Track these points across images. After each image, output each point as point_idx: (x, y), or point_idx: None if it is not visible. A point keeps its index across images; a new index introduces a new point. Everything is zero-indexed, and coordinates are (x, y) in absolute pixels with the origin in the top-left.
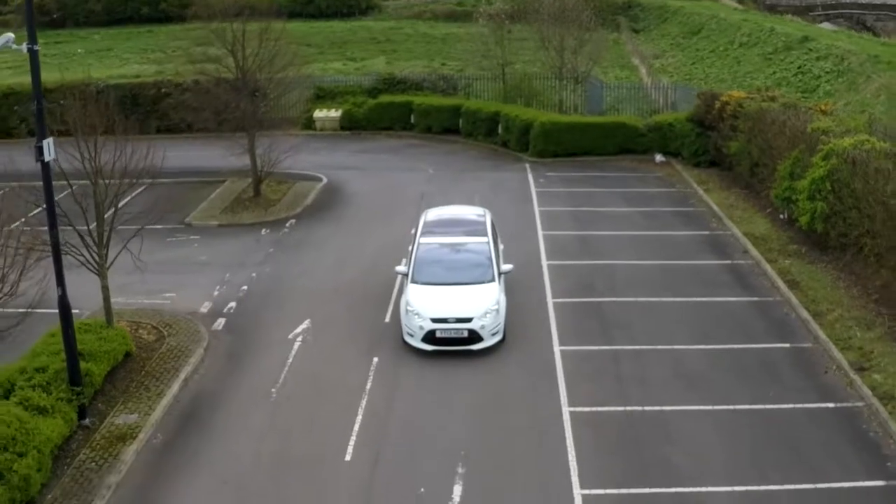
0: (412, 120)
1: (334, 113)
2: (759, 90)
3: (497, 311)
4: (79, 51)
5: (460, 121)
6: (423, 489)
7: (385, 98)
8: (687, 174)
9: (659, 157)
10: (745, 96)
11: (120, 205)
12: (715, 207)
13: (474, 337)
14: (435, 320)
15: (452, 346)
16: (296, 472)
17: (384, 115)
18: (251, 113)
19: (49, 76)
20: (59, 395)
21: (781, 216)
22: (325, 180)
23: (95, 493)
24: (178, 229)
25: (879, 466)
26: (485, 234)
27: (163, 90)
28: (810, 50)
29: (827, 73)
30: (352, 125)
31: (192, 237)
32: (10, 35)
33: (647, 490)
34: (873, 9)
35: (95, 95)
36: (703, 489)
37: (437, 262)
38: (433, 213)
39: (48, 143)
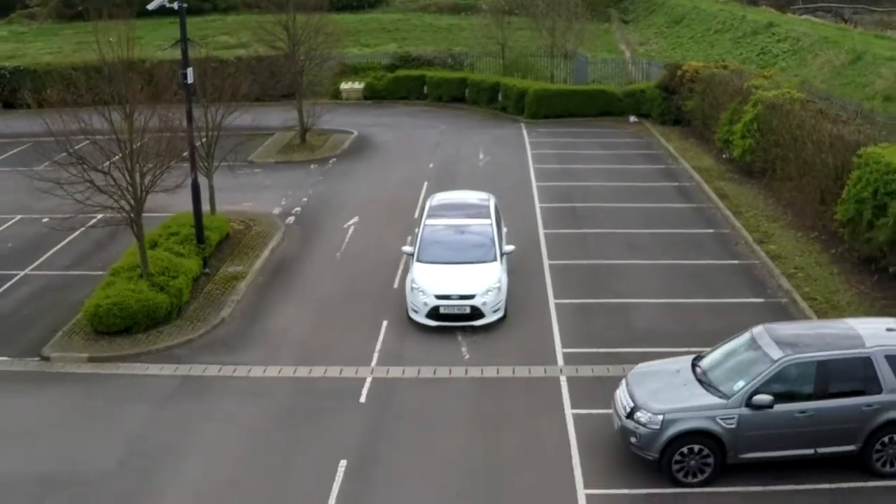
0: (425, 91)
1: (358, 85)
2: (714, 61)
3: (499, 288)
4: (110, 39)
5: (466, 91)
6: None
7: (401, 72)
8: (654, 129)
9: (633, 118)
10: (701, 65)
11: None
12: (672, 150)
13: (476, 313)
14: (439, 297)
15: (455, 322)
16: (357, 297)
17: (401, 86)
18: (299, 80)
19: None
20: (189, 248)
21: (724, 155)
22: (356, 133)
23: (223, 305)
24: (244, 165)
25: (761, 292)
26: (488, 217)
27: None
28: (773, 34)
29: (784, 52)
30: (373, 95)
31: (255, 170)
32: None
33: (601, 300)
34: (850, 2)
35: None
36: (638, 300)
37: (441, 243)
38: (438, 198)
39: (189, 71)
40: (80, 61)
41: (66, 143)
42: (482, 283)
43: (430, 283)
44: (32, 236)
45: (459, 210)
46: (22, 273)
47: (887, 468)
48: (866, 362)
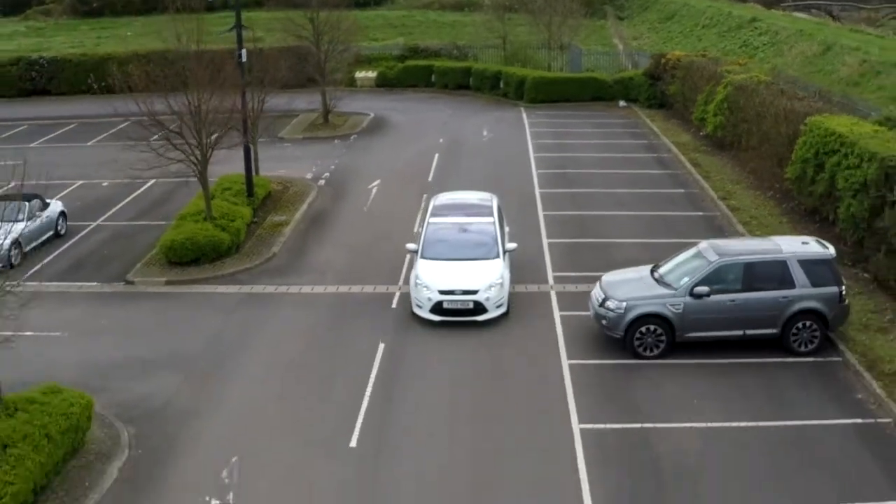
0: (432, 79)
1: (371, 73)
2: (696, 52)
3: (501, 285)
4: (128, 33)
5: (470, 79)
6: None
7: (411, 62)
8: (640, 112)
9: (622, 103)
10: (682, 54)
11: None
12: (655, 129)
13: (479, 308)
14: (442, 292)
15: (458, 318)
16: (384, 239)
17: (410, 75)
18: (323, 67)
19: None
20: (241, 200)
21: (701, 133)
22: (372, 115)
23: (272, 244)
24: (275, 141)
25: (720, 234)
26: (490, 216)
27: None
28: (755, 28)
29: (764, 44)
30: (385, 83)
31: (285, 144)
32: None
33: (586, 240)
34: (838, 0)
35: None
36: (617, 240)
37: (444, 240)
38: (442, 198)
39: (244, 51)
40: (107, 52)
41: (149, 115)
42: (485, 279)
43: (434, 279)
44: (96, 197)
45: (462, 209)
46: (94, 223)
47: (802, 348)
48: (783, 265)
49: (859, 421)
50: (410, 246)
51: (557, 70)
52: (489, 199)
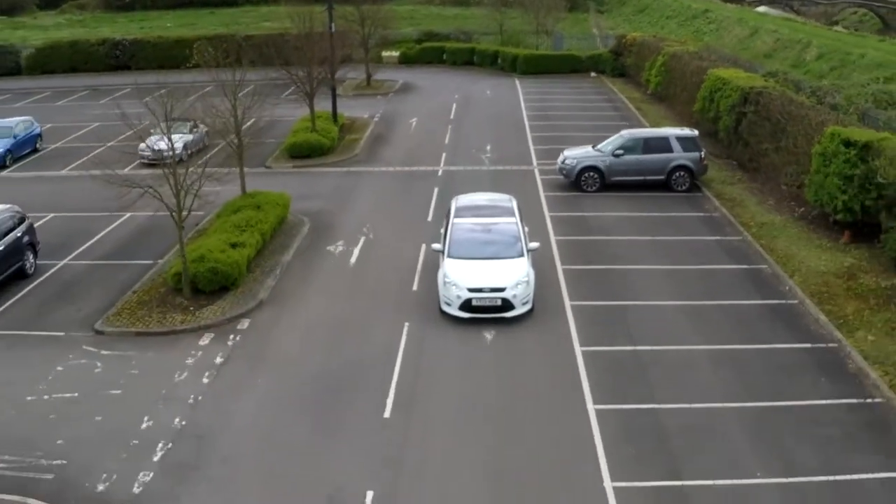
0: (444, 57)
1: (395, 53)
2: (651, 35)
3: (527, 282)
4: (168, 25)
5: (474, 57)
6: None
7: (426, 44)
8: (606, 80)
9: (592, 74)
10: (638, 35)
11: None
12: (615, 90)
13: (507, 305)
14: (471, 290)
15: (487, 314)
16: (426, 146)
17: (426, 54)
18: (366, 44)
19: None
20: (330, 124)
21: (648, 92)
22: (401, 81)
23: (355, 149)
24: None
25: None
26: (513, 216)
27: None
28: (706, 18)
29: (711, 30)
30: (406, 61)
31: (341, 98)
32: None
33: (557, 138)
34: None
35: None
36: (577, 135)
37: (470, 240)
38: (464, 199)
39: (333, 25)
40: (179, 36)
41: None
42: (512, 276)
43: (463, 277)
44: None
45: (485, 210)
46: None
47: (679, 188)
48: (667, 139)
49: (702, 214)
50: (436, 246)
51: (543, 50)
52: (508, 200)
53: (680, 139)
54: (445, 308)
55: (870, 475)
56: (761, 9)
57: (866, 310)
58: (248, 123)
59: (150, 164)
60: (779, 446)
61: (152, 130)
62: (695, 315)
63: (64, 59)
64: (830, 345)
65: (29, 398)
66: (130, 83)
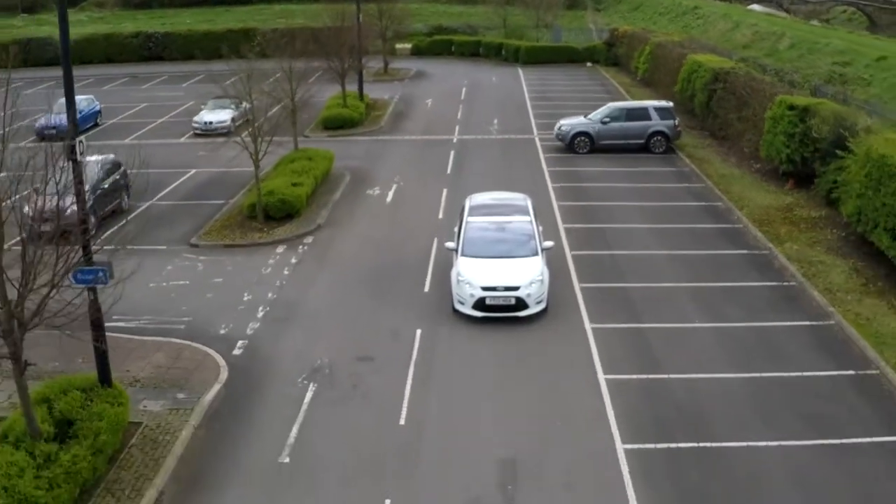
0: (453, 49)
1: (408, 45)
2: (640, 27)
3: (541, 281)
4: (187, 21)
5: (481, 48)
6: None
7: (436, 37)
8: (600, 69)
9: (588, 63)
10: (629, 28)
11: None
12: (608, 77)
13: (521, 304)
14: (485, 288)
15: (500, 313)
16: (441, 121)
17: (436, 46)
18: (385, 37)
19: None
20: (357, 101)
21: (637, 78)
22: (415, 69)
23: (380, 122)
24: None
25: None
26: (527, 214)
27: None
28: (695, 14)
29: (698, 25)
30: (418, 52)
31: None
32: None
33: (554, 113)
34: None
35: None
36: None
37: (484, 238)
38: (478, 198)
39: (360, 16)
40: (206, 29)
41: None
42: (526, 275)
43: (476, 276)
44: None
45: (499, 208)
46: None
47: (656, 151)
48: (646, 109)
49: (674, 169)
50: (449, 244)
51: (544, 42)
52: (523, 198)
53: (657, 109)
54: (458, 307)
55: (779, 323)
56: (753, 7)
57: (795, 231)
58: (299, 95)
59: (201, 134)
60: (716, 309)
61: (202, 106)
62: (660, 234)
63: (100, 51)
64: (763, 252)
65: (151, 285)
66: (167, 71)
